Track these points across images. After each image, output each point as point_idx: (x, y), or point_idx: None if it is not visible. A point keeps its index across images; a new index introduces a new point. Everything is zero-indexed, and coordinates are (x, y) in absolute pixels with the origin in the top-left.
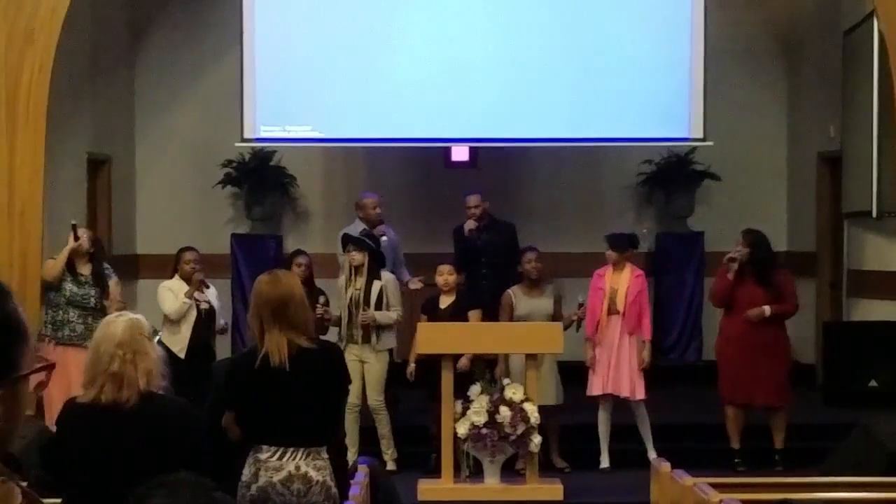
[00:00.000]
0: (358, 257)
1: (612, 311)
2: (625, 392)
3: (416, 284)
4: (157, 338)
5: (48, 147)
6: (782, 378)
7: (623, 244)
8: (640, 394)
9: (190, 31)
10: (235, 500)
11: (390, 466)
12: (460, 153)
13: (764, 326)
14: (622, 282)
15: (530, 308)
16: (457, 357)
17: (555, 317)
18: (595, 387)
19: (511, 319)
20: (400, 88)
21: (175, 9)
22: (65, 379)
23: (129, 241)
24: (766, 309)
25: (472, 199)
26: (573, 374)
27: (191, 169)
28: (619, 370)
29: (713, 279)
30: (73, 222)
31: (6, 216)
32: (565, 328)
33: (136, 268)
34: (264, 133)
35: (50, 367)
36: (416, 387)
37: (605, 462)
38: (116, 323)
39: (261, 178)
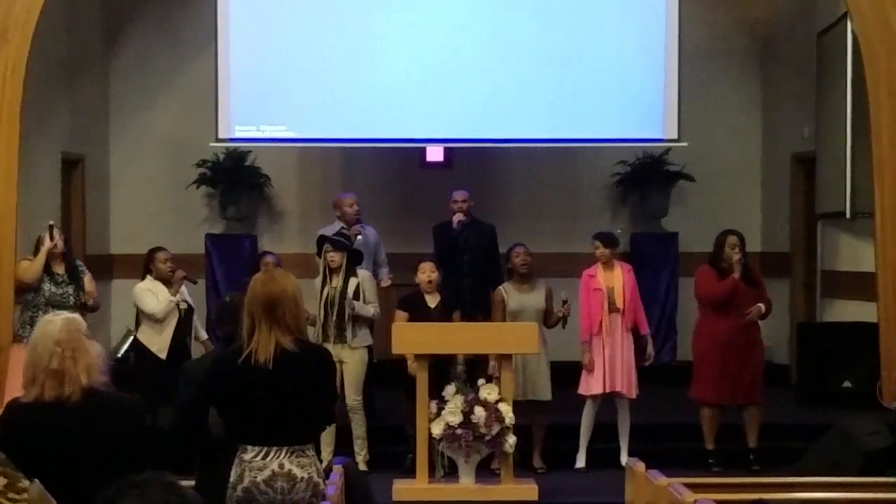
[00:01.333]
0: (336, 258)
1: (612, 309)
2: (621, 388)
3: (386, 282)
4: (131, 338)
5: (22, 146)
6: (761, 375)
7: (615, 241)
8: (634, 391)
9: (165, 30)
10: (216, 499)
11: (361, 468)
12: (435, 153)
13: (748, 326)
14: (616, 279)
15: (521, 303)
16: (432, 357)
17: (546, 312)
18: (594, 386)
19: (504, 316)
20: (375, 88)
21: (150, 8)
22: None
23: (104, 241)
24: (762, 307)
25: (460, 195)
26: (561, 374)
27: (165, 169)
28: (617, 367)
29: (690, 279)
30: (51, 223)
31: None
32: (552, 326)
33: (109, 267)
34: (239, 133)
35: None
36: (389, 386)
37: (581, 462)
38: (54, 322)
39: (235, 177)
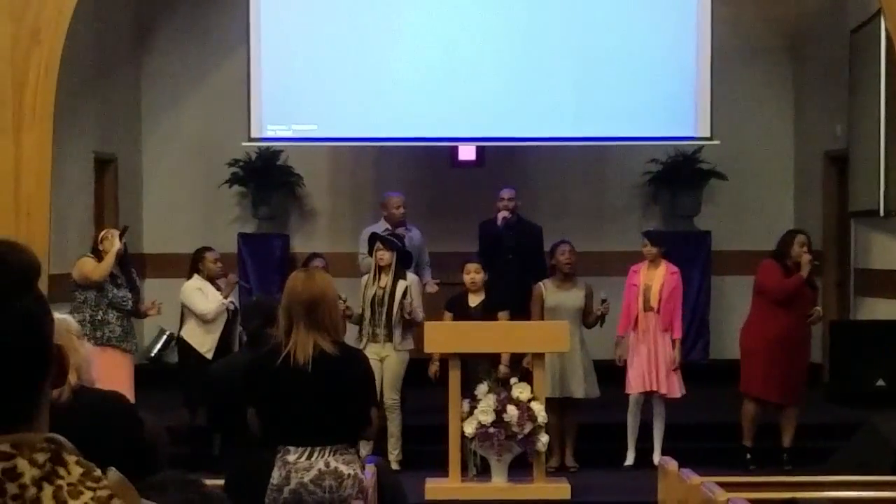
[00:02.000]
0: (386, 256)
1: (646, 307)
2: (662, 389)
3: (432, 287)
4: (164, 337)
5: (55, 147)
6: (804, 378)
7: (662, 240)
8: (677, 391)
9: (196, 30)
10: (246, 498)
11: (394, 467)
12: (467, 152)
13: (800, 326)
14: (657, 278)
15: (559, 301)
16: (463, 356)
17: (586, 310)
18: (635, 384)
19: (542, 312)
20: (406, 87)
21: (181, 8)
22: (102, 379)
23: (136, 241)
24: (820, 310)
25: (507, 193)
26: (599, 372)
27: (197, 168)
28: (654, 367)
29: (722, 278)
30: (126, 226)
31: (13, 216)
32: (591, 325)
33: (142, 267)
34: (270, 132)
35: None
36: (422, 386)
37: (630, 459)
38: None
39: (267, 177)
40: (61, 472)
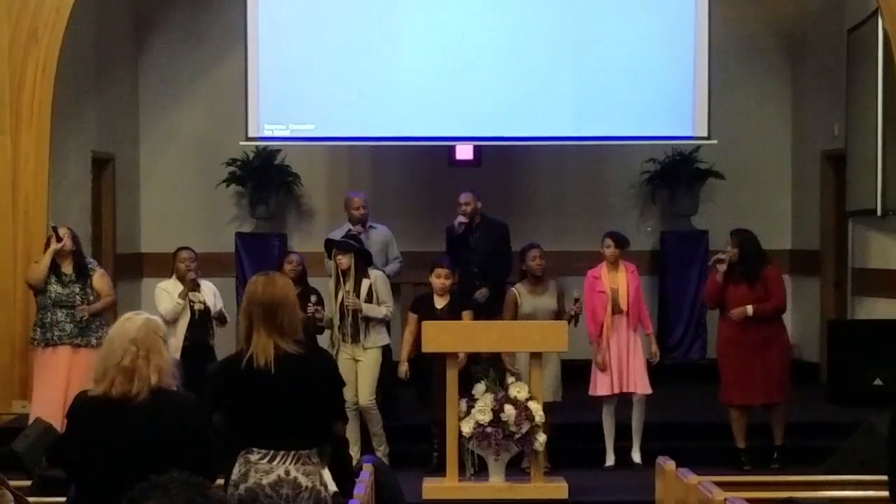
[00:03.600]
0: (344, 261)
1: (616, 310)
2: (635, 388)
3: (483, 296)
4: None
5: (52, 146)
6: (781, 374)
7: (627, 242)
8: (649, 388)
9: (193, 29)
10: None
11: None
12: (464, 151)
13: (759, 324)
14: (620, 280)
15: (534, 306)
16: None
17: (559, 313)
18: (603, 387)
19: (515, 317)
20: (404, 87)
21: (179, 8)
22: (58, 378)
23: (134, 240)
24: (749, 308)
25: (464, 197)
26: (572, 372)
27: (195, 167)
28: (628, 368)
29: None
30: (53, 224)
31: (10, 216)
32: None
33: (139, 266)
34: (268, 132)
35: None
36: (414, 384)
37: (610, 460)
38: (133, 320)
39: (265, 176)
40: None
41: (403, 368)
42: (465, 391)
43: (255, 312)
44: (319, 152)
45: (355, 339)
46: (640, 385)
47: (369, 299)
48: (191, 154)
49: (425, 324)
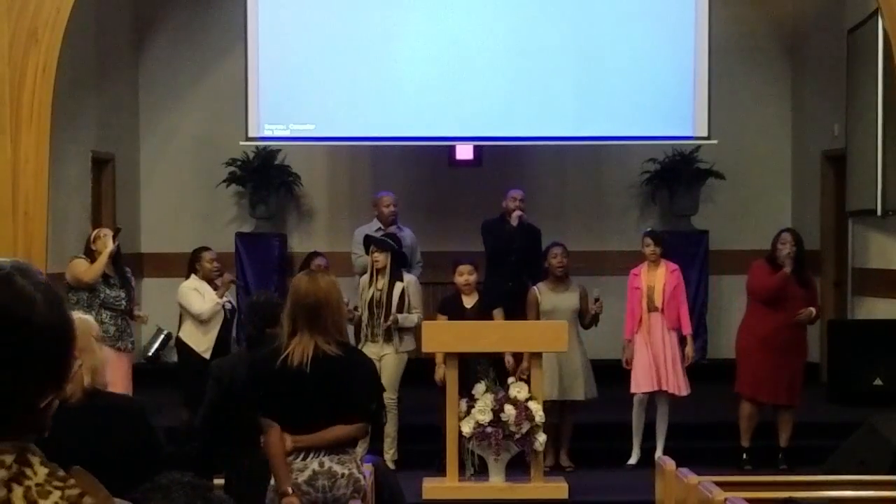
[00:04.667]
0: (381, 258)
1: (651, 308)
2: (671, 388)
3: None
4: (162, 336)
5: (52, 146)
6: (801, 378)
7: (663, 240)
8: (685, 389)
9: (193, 29)
10: (245, 499)
11: (389, 466)
12: (465, 151)
13: (793, 327)
14: (658, 278)
15: (555, 304)
16: (461, 355)
17: (581, 312)
18: (642, 384)
19: (537, 315)
20: (404, 86)
21: (179, 8)
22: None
23: (133, 240)
24: (813, 311)
25: (519, 193)
26: (596, 371)
27: (195, 167)
28: (661, 366)
29: (720, 277)
30: (119, 227)
31: (10, 216)
32: (588, 326)
33: (139, 266)
34: (268, 132)
35: None
36: (417, 386)
37: (634, 458)
38: None
39: (265, 176)
40: (28, 472)
41: (441, 372)
42: (466, 391)
43: (298, 313)
44: (319, 152)
45: (387, 340)
46: (675, 385)
47: (401, 303)
48: (191, 154)
49: (425, 324)
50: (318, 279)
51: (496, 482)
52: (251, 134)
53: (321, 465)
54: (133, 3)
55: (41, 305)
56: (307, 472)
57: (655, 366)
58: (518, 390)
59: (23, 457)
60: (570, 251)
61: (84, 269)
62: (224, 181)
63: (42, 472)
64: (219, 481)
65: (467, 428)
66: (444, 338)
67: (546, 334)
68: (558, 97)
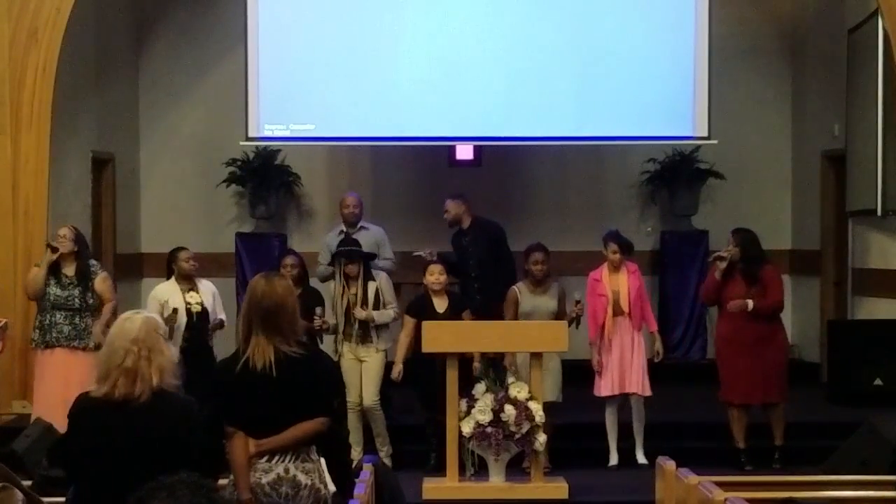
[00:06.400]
0: (354, 269)
1: (617, 312)
2: (634, 389)
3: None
4: None
5: (52, 146)
6: (779, 374)
7: (631, 247)
8: (648, 390)
9: (193, 30)
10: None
11: (387, 463)
12: (465, 151)
13: (757, 323)
14: (622, 282)
15: (534, 305)
16: (461, 356)
17: (558, 315)
18: (604, 388)
19: (516, 315)
20: (404, 87)
21: (179, 8)
22: (57, 379)
23: (134, 240)
24: (749, 302)
25: (446, 204)
26: (574, 372)
27: (195, 168)
28: (630, 368)
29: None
30: (50, 242)
31: (11, 216)
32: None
33: (139, 266)
34: (268, 132)
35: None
36: (410, 385)
37: (613, 460)
38: (133, 320)
39: (265, 176)
40: None
41: (397, 370)
42: (466, 391)
43: (254, 316)
44: (319, 152)
45: (365, 342)
46: (638, 386)
47: (376, 301)
48: (191, 154)
49: (426, 324)
50: (275, 282)
51: (496, 482)
52: (251, 134)
53: (286, 471)
54: (133, 3)
55: None
56: (272, 475)
57: (621, 369)
58: (518, 390)
59: None
60: (570, 251)
61: (29, 282)
62: (224, 181)
63: None
64: (223, 481)
65: (467, 428)
66: (445, 338)
67: (546, 334)
68: (558, 97)
